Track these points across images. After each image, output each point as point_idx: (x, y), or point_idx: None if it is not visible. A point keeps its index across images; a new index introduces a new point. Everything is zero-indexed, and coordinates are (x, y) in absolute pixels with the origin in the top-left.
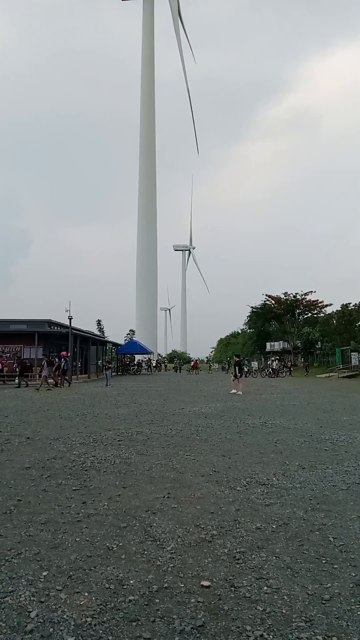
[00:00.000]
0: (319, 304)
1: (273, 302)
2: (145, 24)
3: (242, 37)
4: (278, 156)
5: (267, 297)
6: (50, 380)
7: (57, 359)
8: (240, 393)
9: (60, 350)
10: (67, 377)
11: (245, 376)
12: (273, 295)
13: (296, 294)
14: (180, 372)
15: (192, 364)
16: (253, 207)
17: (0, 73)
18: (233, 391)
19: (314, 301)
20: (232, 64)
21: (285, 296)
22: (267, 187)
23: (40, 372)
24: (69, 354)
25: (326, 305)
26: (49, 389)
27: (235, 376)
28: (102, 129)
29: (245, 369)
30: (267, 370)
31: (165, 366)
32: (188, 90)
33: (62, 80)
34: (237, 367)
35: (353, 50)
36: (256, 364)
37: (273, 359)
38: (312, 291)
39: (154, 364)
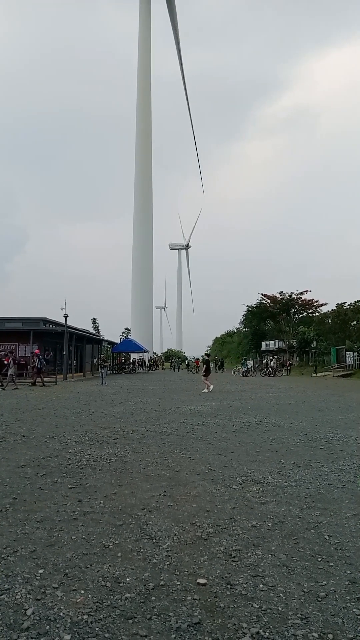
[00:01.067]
0: (314, 303)
1: (269, 301)
2: (142, 21)
3: (240, 36)
4: (276, 154)
5: (262, 296)
6: (43, 379)
7: (34, 358)
8: (207, 390)
9: (56, 349)
10: (41, 376)
11: (245, 375)
12: (269, 294)
13: (292, 293)
14: (178, 370)
15: (186, 362)
16: (250, 206)
17: None
18: (205, 390)
19: (309, 300)
20: (229, 62)
21: (280, 295)
22: (265, 185)
23: (6, 370)
24: (57, 352)
25: (321, 305)
26: (15, 387)
27: (206, 374)
28: (99, 126)
29: (244, 369)
30: (267, 369)
31: (162, 364)
32: (190, 118)
33: (59, 77)
34: (205, 366)
35: (350, 49)
36: (251, 362)
37: (271, 357)
38: (307, 290)
39: (150, 362)
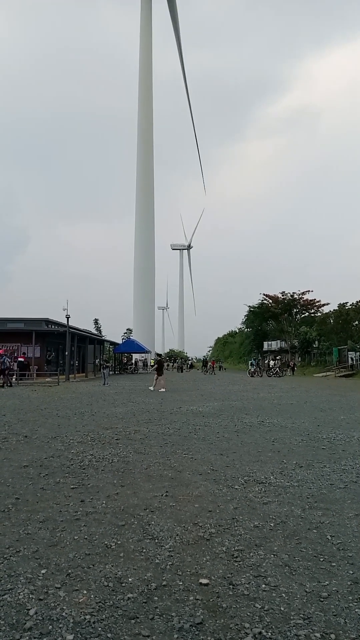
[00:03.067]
0: (316, 304)
1: (270, 301)
2: (143, 21)
3: (240, 36)
4: (276, 154)
5: (264, 297)
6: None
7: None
8: (164, 390)
9: (58, 349)
10: (9, 377)
11: (252, 375)
12: (270, 294)
13: (293, 293)
14: (181, 371)
15: (189, 362)
16: (251, 206)
17: None
18: (151, 388)
19: (311, 300)
20: (229, 62)
21: (282, 295)
22: (266, 185)
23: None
24: (60, 353)
25: (323, 305)
26: None
27: (159, 374)
28: (100, 126)
29: (252, 369)
30: (274, 370)
31: (168, 365)
32: (191, 114)
33: (60, 77)
34: (158, 366)
35: (350, 49)
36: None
37: (278, 357)
38: (309, 290)
39: (151, 364)
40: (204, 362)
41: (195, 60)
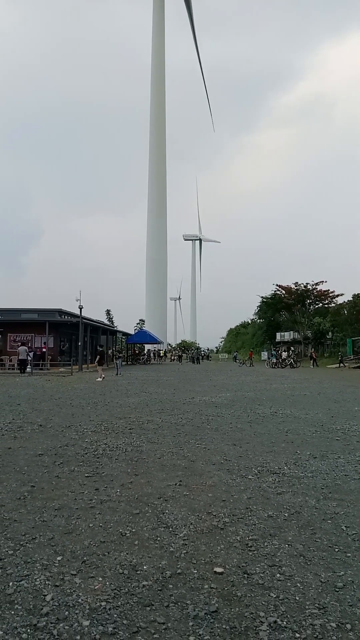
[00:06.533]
0: (330, 294)
1: (283, 292)
2: (156, 11)
3: (253, 25)
4: (290, 144)
5: (277, 287)
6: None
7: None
8: (99, 380)
9: (71, 339)
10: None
11: (273, 367)
12: (283, 285)
13: (307, 284)
14: (198, 363)
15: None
16: (265, 196)
17: (10, 62)
18: (99, 379)
19: (324, 291)
20: (242, 51)
21: (295, 286)
22: (279, 175)
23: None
24: (73, 343)
25: (337, 295)
26: None
27: (100, 364)
28: (112, 118)
29: (274, 360)
30: (288, 361)
31: (180, 357)
32: (200, 63)
33: (72, 69)
34: (98, 357)
35: None
36: (266, 354)
37: (292, 348)
38: (323, 281)
39: (161, 354)
40: (235, 356)
41: (208, 50)
